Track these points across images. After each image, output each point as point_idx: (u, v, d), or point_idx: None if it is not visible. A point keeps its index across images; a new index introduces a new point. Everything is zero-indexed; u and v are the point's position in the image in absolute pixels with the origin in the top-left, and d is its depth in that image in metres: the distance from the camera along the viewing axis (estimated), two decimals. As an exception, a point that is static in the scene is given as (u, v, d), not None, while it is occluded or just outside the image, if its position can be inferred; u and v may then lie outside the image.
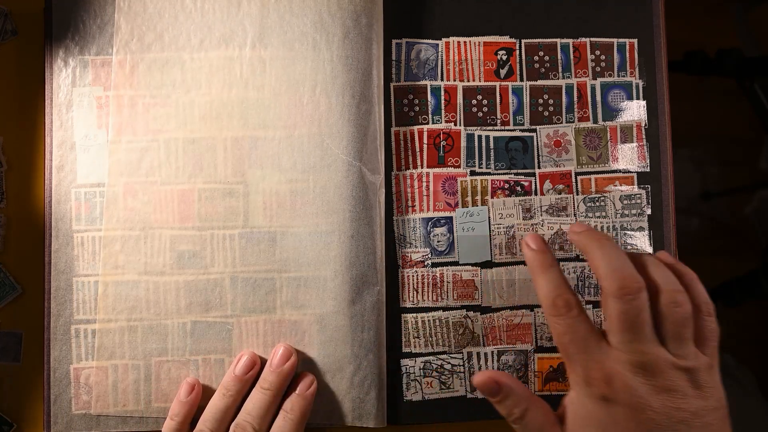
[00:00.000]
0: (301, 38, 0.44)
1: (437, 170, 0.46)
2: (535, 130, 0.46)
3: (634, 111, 0.47)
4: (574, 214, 0.46)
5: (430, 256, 0.45)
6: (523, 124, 0.46)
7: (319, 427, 0.43)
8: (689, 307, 0.35)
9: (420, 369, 0.45)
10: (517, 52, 0.46)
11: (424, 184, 0.45)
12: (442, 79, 0.46)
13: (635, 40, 0.47)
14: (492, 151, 0.46)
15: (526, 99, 0.46)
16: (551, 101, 0.46)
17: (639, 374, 0.33)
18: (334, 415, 0.43)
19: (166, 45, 0.44)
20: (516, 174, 0.46)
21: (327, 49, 0.44)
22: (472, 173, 0.46)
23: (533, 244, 0.39)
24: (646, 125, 0.47)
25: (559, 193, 0.46)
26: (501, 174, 0.46)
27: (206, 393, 0.42)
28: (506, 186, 0.46)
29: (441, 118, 0.46)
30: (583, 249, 0.38)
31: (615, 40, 0.47)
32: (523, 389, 0.38)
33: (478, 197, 0.46)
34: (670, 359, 0.34)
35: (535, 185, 0.46)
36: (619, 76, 0.47)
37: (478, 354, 0.45)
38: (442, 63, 0.46)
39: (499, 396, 0.37)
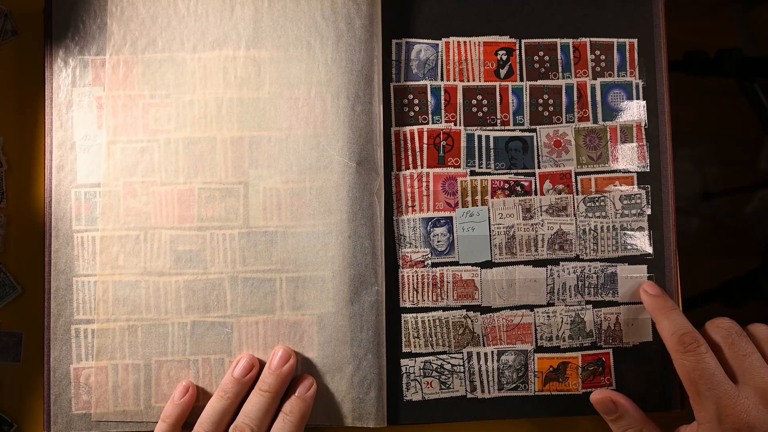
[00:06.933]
0: (296, 42, 0.44)
1: (437, 170, 0.46)
2: (535, 130, 0.46)
3: (634, 111, 0.47)
4: (574, 214, 0.46)
5: (430, 256, 0.45)
6: (523, 124, 0.46)
7: (319, 427, 0.43)
8: None
9: (420, 369, 0.45)
10: (517, 52, 0.46)
11: (424, 184, 0.45)
12: (442, 79, 0.46)
13: (635, 40, 0.47)
14: (492, 151, 0.46)
15: (526, 99, 0.46)
16: (551, 101, 0.46)
17: None
18: (333, 416, 0.43)
19: (159, 49, 0.44)
20: (516, 174, 0.46)
21: (321, 52, 0.44)
22: (472, 173, 0.46)
23: (651, 290, 0.43)
24: (646, 125, 0.47)
25: (559, 193, 0.46)
26: (501, 174, 0.46)
27: (206, 394, 0.42)
28: (506, 186, 0.46)
29: (441, 118, 0.46)
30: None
31: (615, 40, 0.47)
32: (639, 412, 0.40)
33: (478, 197, 0.46)
34: None
35: (535, 185, 0.46)
36: (619, 76, 0.47)
37: (478, 354, 0.45)
38: (442, 63, 0.46)
39: (615, 415, 0.40)
